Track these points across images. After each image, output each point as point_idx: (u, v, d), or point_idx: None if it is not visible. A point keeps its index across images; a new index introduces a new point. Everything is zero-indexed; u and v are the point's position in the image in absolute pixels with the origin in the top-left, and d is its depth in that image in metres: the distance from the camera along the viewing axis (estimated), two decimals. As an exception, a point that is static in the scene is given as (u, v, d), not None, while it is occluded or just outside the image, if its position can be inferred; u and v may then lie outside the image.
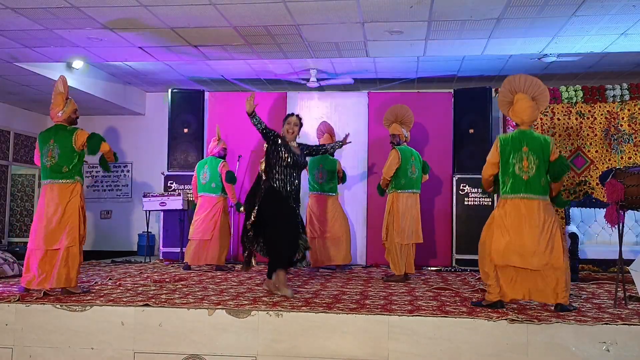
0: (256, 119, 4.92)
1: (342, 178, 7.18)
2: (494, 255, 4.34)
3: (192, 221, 7.13)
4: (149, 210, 8.12)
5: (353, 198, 8.07)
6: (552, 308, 4.32)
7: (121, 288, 5.33)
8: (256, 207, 4.96)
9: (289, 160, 4.93)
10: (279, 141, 4.98)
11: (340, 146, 5.66)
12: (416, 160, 6.19)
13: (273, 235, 4.89)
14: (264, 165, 5.03)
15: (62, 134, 4.99)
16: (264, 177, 5.01)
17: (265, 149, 5.07)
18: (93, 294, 4.87)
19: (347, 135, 5.81)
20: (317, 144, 6.72)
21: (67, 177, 4.93)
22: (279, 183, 4.92)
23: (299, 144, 5.19)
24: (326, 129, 7.19)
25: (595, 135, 7.55)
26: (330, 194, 6.96)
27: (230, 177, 7.06)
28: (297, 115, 5.17)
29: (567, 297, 4.25)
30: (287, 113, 5.30)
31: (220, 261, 7.02)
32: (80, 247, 4.95)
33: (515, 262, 4.29)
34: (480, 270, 4.52)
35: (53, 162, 4.92)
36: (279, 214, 4.87)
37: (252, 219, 4.97)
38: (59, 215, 4.87)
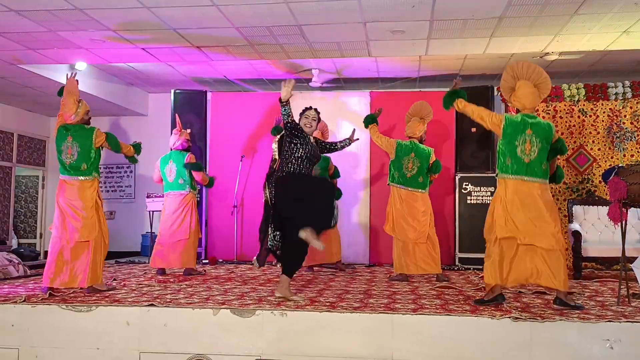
0: (287, 109, 4.54)
1: (334, 174, 7.18)
2: (497, 229, 4.38)
3: (161, 221, 6.66)
4: (153, 211, 8.15)
5: (355, 197, 8.08)
6: (552, 302, 4.35)
7: (126, 288, 5.36)
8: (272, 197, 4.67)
9: (306, 152, 4.66)
10: (299, 133, 4.67)
11: (349, 143, 5.38)
12: (417, 156, 6.12)
13: (295, 238, 4.52)
14: (276, 154, 4.75)
15: (81, 132, 5.15)
16: (276, 168, 4.72)
17: (277, 141, 4.78)
18: (98, 295, 4.90)
19: (353, 132, 5.52)
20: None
21: (86, 174, 5.12)
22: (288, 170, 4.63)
23: (314, 138, 5.00)
24: (319, 127, 7.11)
25: (598, 133, 7.56)
26: None
27: (197, 166, 6.72)
28: (316, 109, 4.93)
29: (566, 284, 4.30)
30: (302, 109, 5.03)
31: (192, 264, 6.58)
32: (102, 243, 5.10)
33: (513, 234, 4.32)
34: (486, 255, 4.53)
35: (72, 159, 5.09)
36: (300, 209, 4.53)
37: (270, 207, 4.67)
38: (81, 211, 5.02)
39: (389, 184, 6.23)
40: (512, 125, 4.44)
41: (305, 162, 4.68)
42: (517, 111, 4.60)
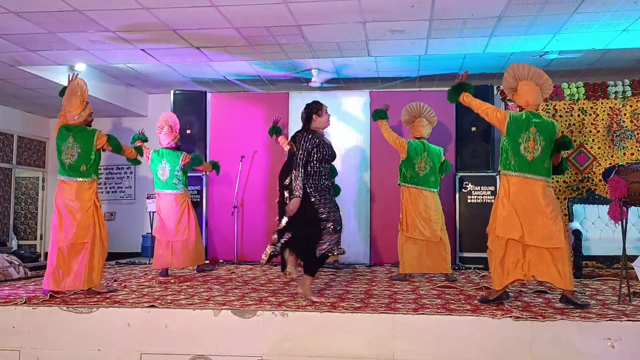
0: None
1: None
2: (498, 229, 4.40)
3: (157, 221, 6.69)
4: (153, 212, 8.14)
5: (356, 197, 8.08)
6: (558, 300, 4.37)
7: (126, 289, 5.36)
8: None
9: (323, 154, 4.65)
10: (317, 140, 4.63)
11: None
12: (430, 156, 6.12)
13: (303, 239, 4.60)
14: (287, 147, 4.69)
15: (82, 134, 5.15)
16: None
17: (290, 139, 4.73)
18: (99, 296, 4.90)
19: None
20: None
21: (85, 176, 5.12)
22: (313, 182, 4.59)
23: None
24: None
25: (598, 131, 7.56)
26: None
27: (198, 160, 6.84)
28: None
29: (571, 284, 4.31)
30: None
31: (203, 260, 6.84)
32: (100, 245, 5.08)
33: (516, 236, 4.34)
34: (488, 251, 4.56)
35: (72, 160, 5.09)
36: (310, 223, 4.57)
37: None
38: (78, 212, 5.02)
39: (399, 184, 6.20)
40: (516, 122, 4.45)
41: (325, 164, 4.70)
42: (520, 109, 4.61)
